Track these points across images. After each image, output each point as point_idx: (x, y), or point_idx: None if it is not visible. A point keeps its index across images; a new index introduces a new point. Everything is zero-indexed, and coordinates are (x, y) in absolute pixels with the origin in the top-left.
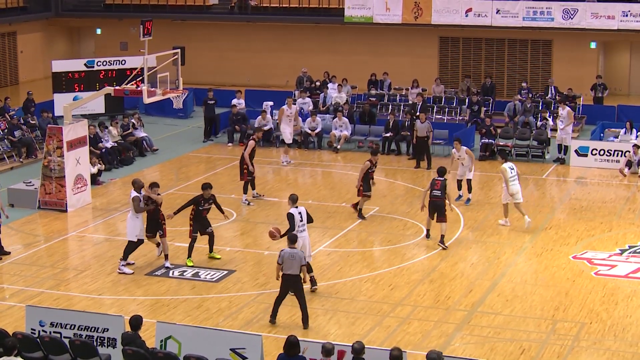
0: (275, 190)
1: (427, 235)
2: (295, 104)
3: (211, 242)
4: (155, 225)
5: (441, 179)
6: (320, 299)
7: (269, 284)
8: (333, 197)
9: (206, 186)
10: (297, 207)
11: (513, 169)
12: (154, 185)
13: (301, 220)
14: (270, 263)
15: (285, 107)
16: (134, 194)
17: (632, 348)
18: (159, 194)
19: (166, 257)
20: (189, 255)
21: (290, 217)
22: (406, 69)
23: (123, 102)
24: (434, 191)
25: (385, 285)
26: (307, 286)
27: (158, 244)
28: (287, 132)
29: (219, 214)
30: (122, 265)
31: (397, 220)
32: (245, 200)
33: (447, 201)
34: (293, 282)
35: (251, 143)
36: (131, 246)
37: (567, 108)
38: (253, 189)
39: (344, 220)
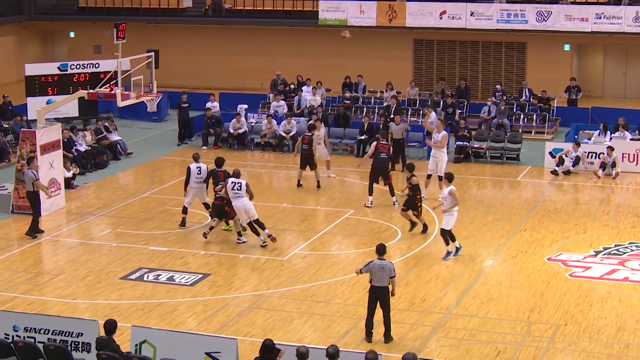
0: None
1: (299, 185)
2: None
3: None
4: None
5: (309, 134)
6: (296, 302)
7: (244, 288)
8: (308, 200)
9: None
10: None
11: None
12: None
13: None
14: (245, 266)
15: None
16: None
17: (606, 349)
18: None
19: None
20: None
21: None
22: (380, 72)
23: (97, 106)
24: (303, 145)
25: (361, 288)
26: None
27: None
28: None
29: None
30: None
31: (372, 223)
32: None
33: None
34: (381, 294)
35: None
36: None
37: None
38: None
39: (320, 223)
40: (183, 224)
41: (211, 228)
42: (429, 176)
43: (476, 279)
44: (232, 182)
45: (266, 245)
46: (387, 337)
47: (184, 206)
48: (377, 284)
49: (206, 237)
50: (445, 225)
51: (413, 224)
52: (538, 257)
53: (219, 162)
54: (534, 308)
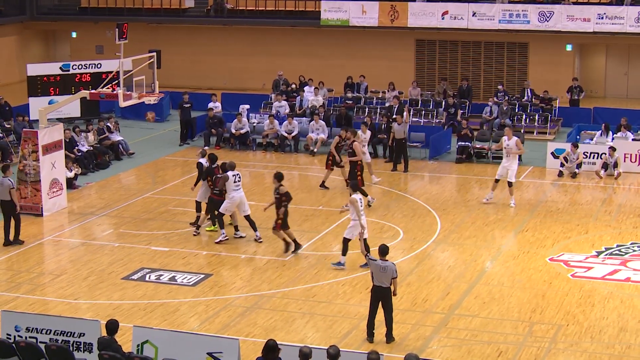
0: (252, 193)
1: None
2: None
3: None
4: None
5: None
6: (298, 303)
7: (246, 288)
8: (310, 200)
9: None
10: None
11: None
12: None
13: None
14: (246, 267)
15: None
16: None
17: (608, 350)
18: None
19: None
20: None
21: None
22: (383, 72)
23: (99, 106)
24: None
25: (362, 288)
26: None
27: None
28: None
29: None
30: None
31: (373, 223)
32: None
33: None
34: (382, 295)
35: (335, 138)
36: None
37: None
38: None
39: (321, 224)
40: (197, 221)
41: (198, 227)
42: (496, 180)
43: (478, 279)
44: (233, 175)
45: (240, 235)
46: (389, 337)
47: (197, 202)
48: (377, 284)
49: (196, 234)
50: (347, 233)
51: (287, 244)
52: (540, 257)
53: (213, 158)
54: (535, 308)
